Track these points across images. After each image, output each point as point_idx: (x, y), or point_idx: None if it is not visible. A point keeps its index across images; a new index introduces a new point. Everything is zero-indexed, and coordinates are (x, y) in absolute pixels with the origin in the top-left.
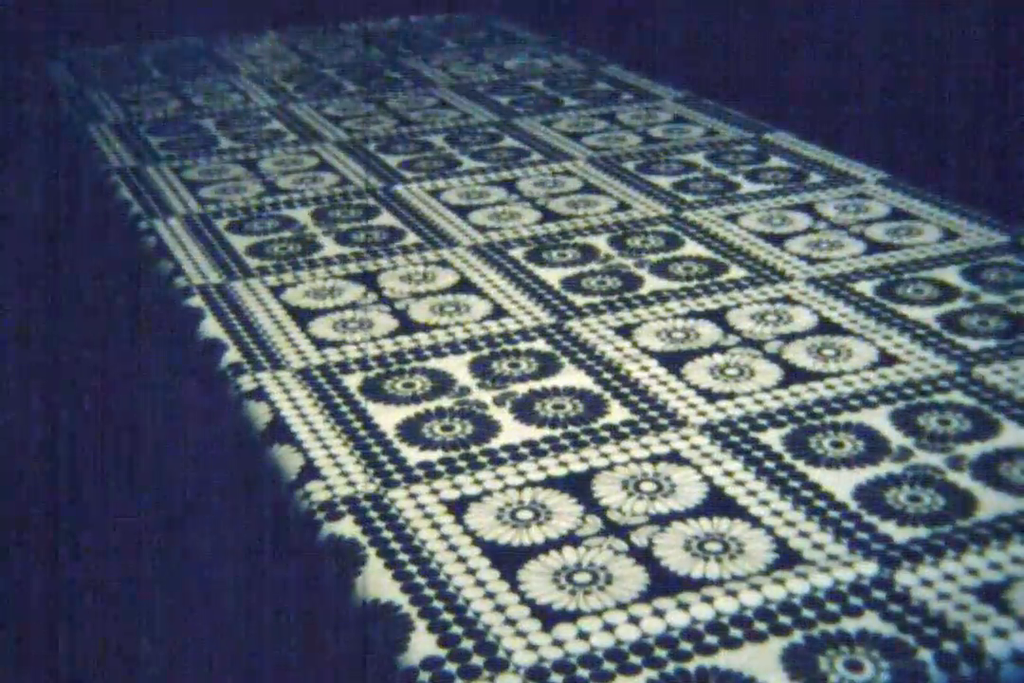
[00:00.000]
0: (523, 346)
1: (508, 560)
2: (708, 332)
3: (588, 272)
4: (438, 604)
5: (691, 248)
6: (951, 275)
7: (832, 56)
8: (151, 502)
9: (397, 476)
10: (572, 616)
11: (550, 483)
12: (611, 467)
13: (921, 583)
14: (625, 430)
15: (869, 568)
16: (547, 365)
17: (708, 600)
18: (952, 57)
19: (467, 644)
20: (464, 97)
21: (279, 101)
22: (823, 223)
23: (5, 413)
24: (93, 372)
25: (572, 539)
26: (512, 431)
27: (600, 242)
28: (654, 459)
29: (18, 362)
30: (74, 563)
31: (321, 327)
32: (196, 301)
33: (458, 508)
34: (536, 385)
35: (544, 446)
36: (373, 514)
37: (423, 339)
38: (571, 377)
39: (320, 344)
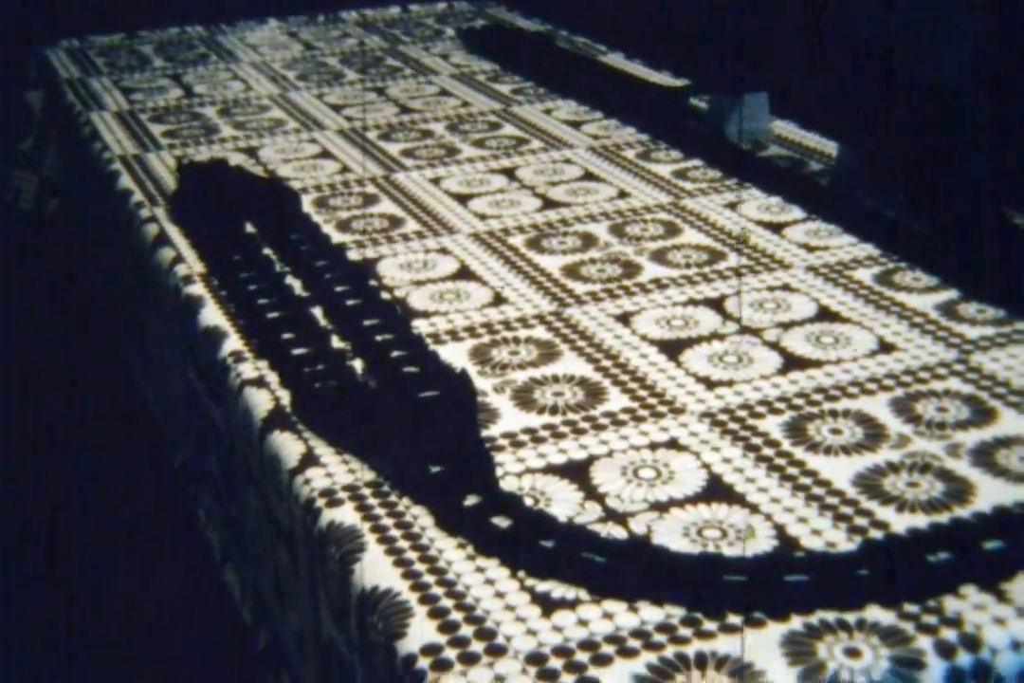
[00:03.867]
0: (523, 333)
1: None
2: (707, 320)
3: (588, 260)
4: (438, 590)
5: (690, 236)
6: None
7: (837, 45)
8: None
9: None
10: (572, 603)
11: (549, 470)
12: (610, 454)
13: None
14: (624, 417)
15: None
16: (546, 352)
17: None
18: (953, 51)
19: (467, 630)
20: (464, 85)
21: (280, 89)
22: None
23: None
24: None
25: None
26: (511, 418)
27: (600, 230)
28: (653, 446)
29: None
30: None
31: (321, 315)
32: (197, 289)
33: None
34: (535, 372)
35: (543, 433)
36: (373, 501)
37: (423, 326)
38: (570, 364)
39: None
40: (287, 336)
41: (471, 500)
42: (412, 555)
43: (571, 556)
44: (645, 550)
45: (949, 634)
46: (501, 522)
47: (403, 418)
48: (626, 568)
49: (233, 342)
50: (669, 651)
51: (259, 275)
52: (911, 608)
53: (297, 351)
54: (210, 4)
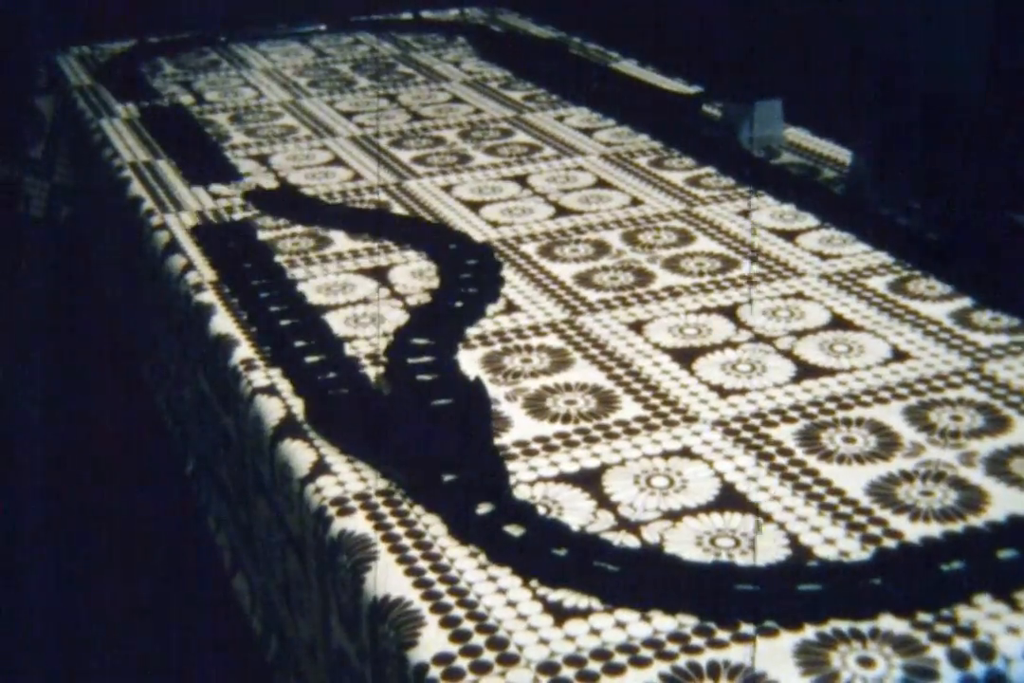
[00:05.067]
0: (535, 342)
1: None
2: (720, 328)
3: (600, 267)
4: (450, 600)
5: (703, 244)
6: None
7: (848, 50)
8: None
9: None
10: (584, 612)
11: (562, 478)
12: (623, 462)
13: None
14: (637, 426)
15: None
16: (559, 361)
17: None
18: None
19: (479, 639)
20: (477, 92)
21: (292, 96)
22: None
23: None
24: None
25: None
26: (523, 426)
27: (612, 238)
28: (666, 454)
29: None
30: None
31: (333, 322)
32: (208, 296)
33: None
34: (548, 381)
35: (556, 441)
36: (385, 510)
37: None
38: (583, 373)
39: None
40: (300, 344)
41: (483, 508)
42: (424, 564)
43: (583, 565)
44: (657, 559)
45: (963, 643)
46: (514, 531)
47: (417, 426)
48: (638, 577)
49: (244, 350)
50: (682, 661)
51: (270, 282)
52: (925, 617)
53: (310, 359)
54: (221, 10)
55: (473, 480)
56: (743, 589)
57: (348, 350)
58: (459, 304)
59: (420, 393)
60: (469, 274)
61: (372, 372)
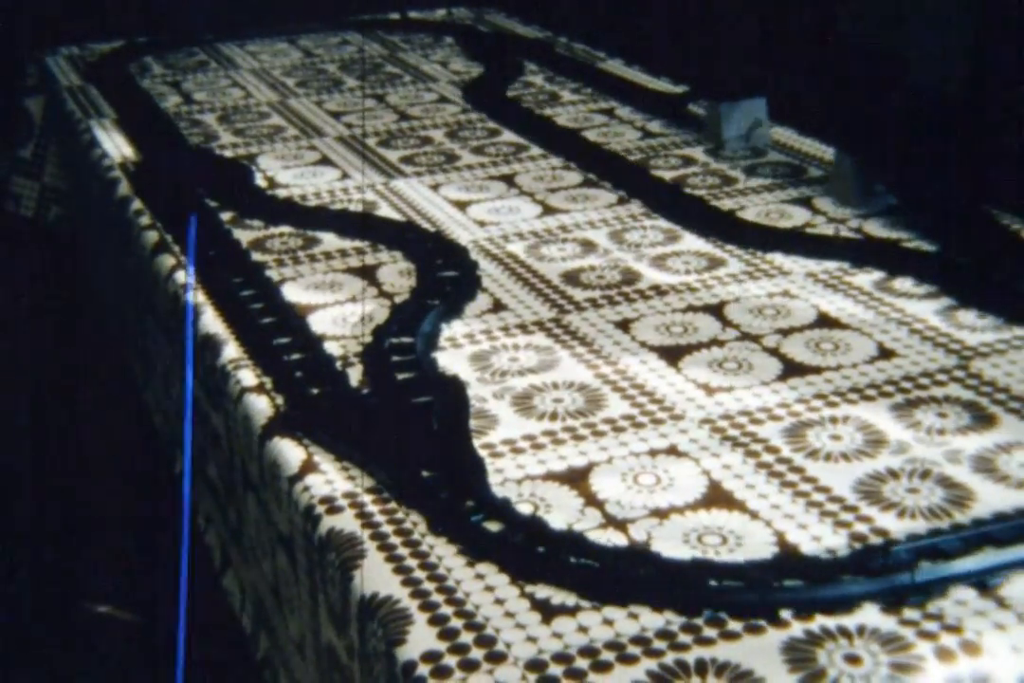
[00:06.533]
0: (522, 340)
1: None
2: (706, 326)
3: (587, 266)
4: (437, 597)
5: (690, 242)
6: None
7: (832, 47)
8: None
9: None
10: (571, 610)
11: (549, 476)
12: (610, 460)
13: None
14: (624, 424)
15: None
16: (546, 359)
17: None
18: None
19: (467, 637)
20: (464, 92)
21: (280, 96)
22: (820, 217)
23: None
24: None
25: None
26: (511, 425)
27: (599, 236)
28: (653, 452)
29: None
30: None
31: (321, 321)
32: (197, 296)
33: None
34: (535, 379)
35: (543, 440)
36: (373, 508)
37: None
38: (570, 371)
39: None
40: (281, 341)
41: (463, 505)
42: (412, 562)
43: (560, 560)
44: (634, 554)
45: (949, 640)
46: (493, 526)
47: (396, 423)
48: (616, 571)
49: (232, 349)
50: (669, 658)
51: (250, 281)
52: (911, 614)
53: (290, 357)
54: (210, 11)
55: (452, 477)
56: (721, 584)
57: (337, 349)
58: (436, 302)
59: (399, 391)
60: (446, 273)
61: (358, 371)
